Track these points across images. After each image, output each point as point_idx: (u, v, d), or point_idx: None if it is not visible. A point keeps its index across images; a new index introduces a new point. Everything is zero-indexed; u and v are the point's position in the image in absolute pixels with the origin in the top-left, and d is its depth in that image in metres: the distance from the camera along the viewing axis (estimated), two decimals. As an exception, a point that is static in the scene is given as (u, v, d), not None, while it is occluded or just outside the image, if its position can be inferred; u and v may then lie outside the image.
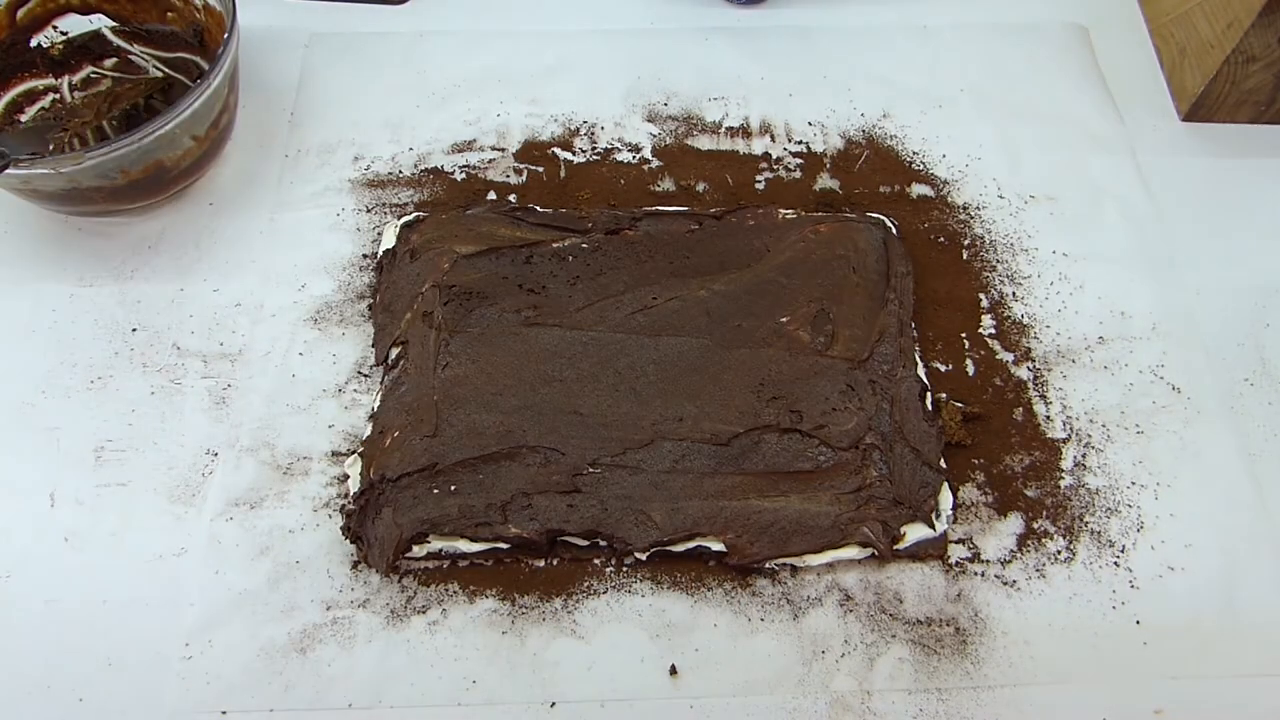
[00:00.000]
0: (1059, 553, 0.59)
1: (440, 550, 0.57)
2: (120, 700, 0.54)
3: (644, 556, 0.58)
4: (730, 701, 0.54)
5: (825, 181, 0.74)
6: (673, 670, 0.55)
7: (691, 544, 0.58)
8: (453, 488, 0.57)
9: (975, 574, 0.58)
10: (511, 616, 0.57)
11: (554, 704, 0.54)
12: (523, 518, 0.57)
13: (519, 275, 0.65)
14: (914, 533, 0.58)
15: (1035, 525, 0.60)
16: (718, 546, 0.57)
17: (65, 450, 0.62)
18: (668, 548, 0.58)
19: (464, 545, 0.57)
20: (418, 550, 0.57)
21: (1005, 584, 0.58)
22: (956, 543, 0.59)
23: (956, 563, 0.58)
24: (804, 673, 0.55)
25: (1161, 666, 0.55)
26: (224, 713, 0.54)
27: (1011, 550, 0.59)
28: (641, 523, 0.57)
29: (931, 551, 0.58)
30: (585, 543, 0.58)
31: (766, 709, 0.54)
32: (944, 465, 0.61)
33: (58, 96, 0.76)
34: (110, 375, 0.65)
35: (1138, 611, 0.57)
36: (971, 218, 0.72)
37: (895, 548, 0.58)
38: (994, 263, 0.70)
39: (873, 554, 0.58)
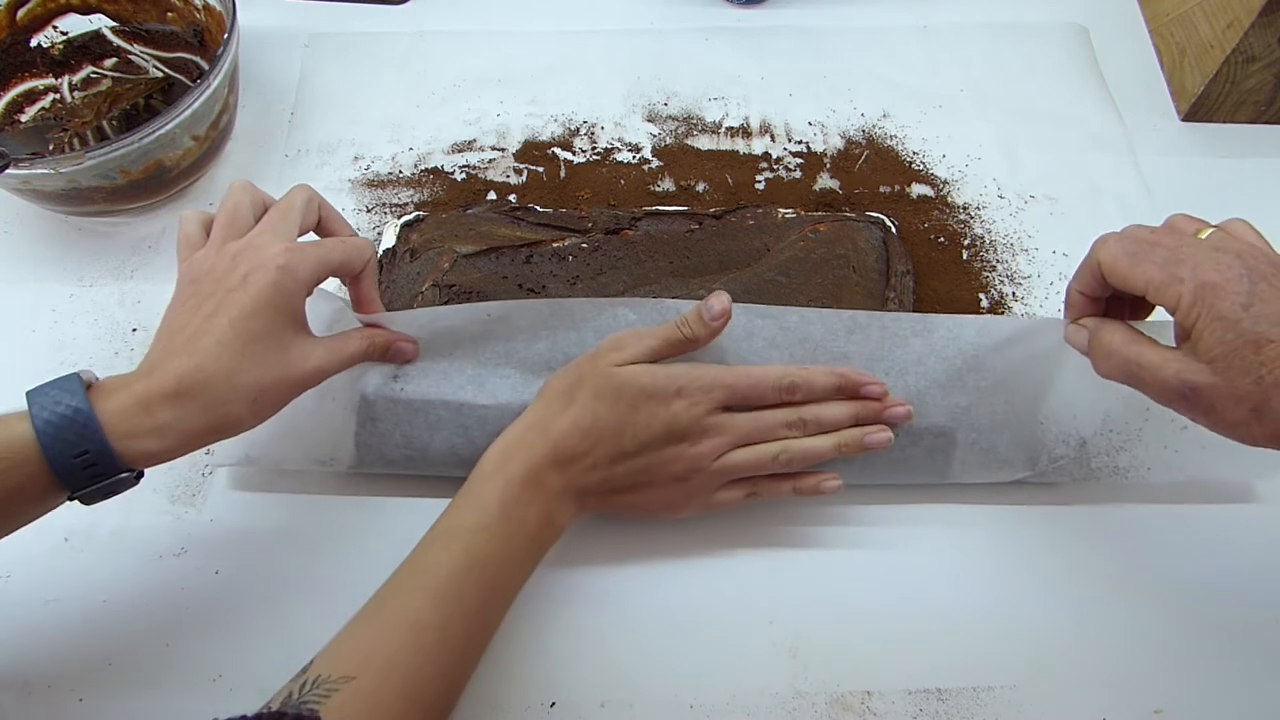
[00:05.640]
0: (1059, 553, 0.59)
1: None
2: (120, 700, 0.54)
3: (644, 556, 0.58)
4: (731, 701, 0.54)
5: (825, 181, 0.74)
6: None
7: (691, 544, 0.58)
8: None
9: (975, 574, 0.58)
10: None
11: (554, 704, 0.54)
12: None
13: (519, 275, 0.65)
14: (914, 533, 0.58)
15: (1035, 525, 0.60)
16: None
17: (65, 450, 0.62)
18: (668, 547, 0.58)
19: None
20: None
21: (1005, 584, 0.58)
22: (956, 542, 0.59)
23: (956, 562, 0.58)
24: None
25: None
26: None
27: (1011, 550, 0.59)
28: (641, 523, 0.57)
29: (931, 551, 0.58)
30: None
31: (767, 709, 0.54)
32: (944, 465, 0.60)
33: (58, 96, 0.76)
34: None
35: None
36: (971, 218, 0.72)
37: (895, 547, 0.58)
38: (994, 263, 0.70)
39: (873, 554, 0.58)
